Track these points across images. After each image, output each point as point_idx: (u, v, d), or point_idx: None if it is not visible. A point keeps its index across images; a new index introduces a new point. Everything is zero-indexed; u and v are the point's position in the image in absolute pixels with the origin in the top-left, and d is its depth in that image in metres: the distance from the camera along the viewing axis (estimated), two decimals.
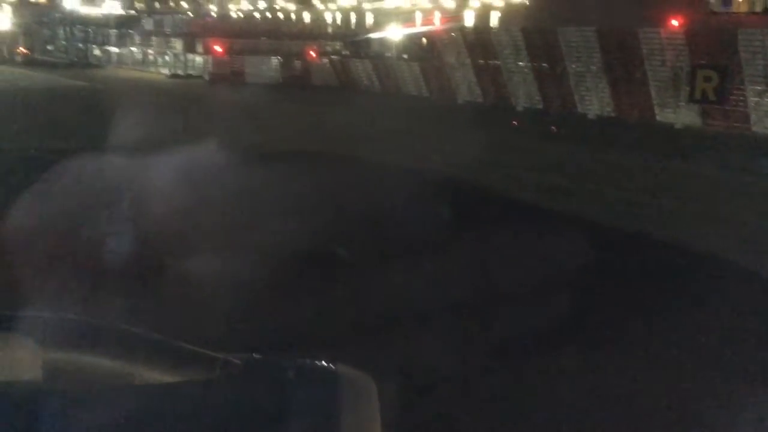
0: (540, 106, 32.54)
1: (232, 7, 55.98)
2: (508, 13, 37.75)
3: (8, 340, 1.53)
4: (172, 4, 59.58)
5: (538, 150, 20.25)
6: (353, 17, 50.41)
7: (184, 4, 58.68)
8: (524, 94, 33.16)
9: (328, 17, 53.81)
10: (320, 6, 53.55)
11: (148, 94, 35.46)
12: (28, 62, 56.16)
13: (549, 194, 13.96)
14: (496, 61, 34.24)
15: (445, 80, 37.60)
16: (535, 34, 31.64)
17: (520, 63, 33.13)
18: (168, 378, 1.54)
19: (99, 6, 73.23)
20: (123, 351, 1.59)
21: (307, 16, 53.79)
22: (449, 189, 13.80)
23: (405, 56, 46.12)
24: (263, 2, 57.00)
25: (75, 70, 49.46)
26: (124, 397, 1.44)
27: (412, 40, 45.71)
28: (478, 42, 35.06)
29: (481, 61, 35.10)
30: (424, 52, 44.18)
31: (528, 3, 36.46)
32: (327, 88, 43.55)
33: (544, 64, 31.80)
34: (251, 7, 56.36)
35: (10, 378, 1.44)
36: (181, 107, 29.42)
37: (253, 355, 1.70)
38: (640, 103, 28.43)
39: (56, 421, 1.31)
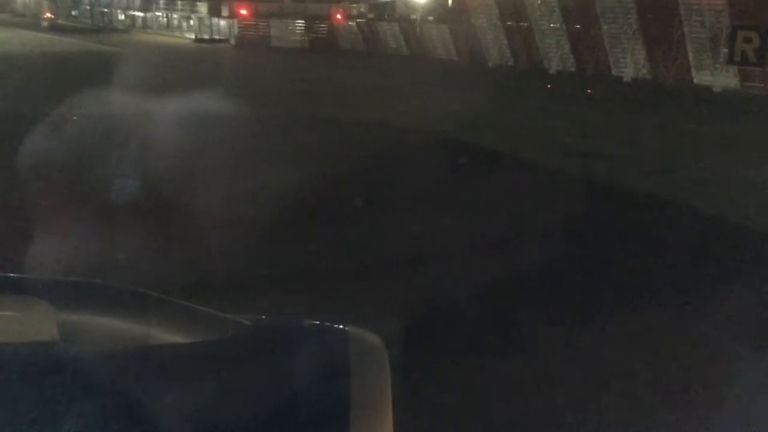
0: (573, 69, 31.96)
1: None
2: None
3: (24, 302, 1.55)
4: None
5: (575, 114, 19.92)
6: None
7: None
8: (557, 57, 32.57)
9: None
10: None
11: (177, 58, 35.43)
12: (54, 27, 56.13)
13: (590, 161, 13.54)
14: (528, 23, 33.60)
15: (475, 43, 37.01)
16: None
17: (553, 25, 32.49)
18: (180, 338, 1.54)
19: None
20: (136, 312, 1.60)
21: None
22: (489, 158, 13.56)
23: (430, 18, 45.57)
24: None
25: (101, 36, 49.40)
26: (138, 358, 1.46)
27: (440, 2, 45.05)
28: (510, 3, 34.36)
29: (513, 23, 34.48)
30: (454, 14, 43.58)
31: None
32: (353, 51, 43.16)
33: (578, 26, 31.16)
34: None
35: (25, 339, 1.45)
36: (217, 74, 29.41)
37: (263, 316, 1.70)
38: (677, 66, 27.79)
39: (71, 381, 1.32)
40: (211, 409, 1.33)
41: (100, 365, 1.37)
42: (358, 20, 45.43)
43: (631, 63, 29.33)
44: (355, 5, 50.24)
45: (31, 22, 62.77)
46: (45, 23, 57.26)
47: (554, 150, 14.52)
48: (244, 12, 45.60)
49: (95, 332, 1.52)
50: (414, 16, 44.86)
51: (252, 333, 1.59)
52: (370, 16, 47.38)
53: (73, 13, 67.50)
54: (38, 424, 1.23)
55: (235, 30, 45.85)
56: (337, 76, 29.08)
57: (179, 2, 53.05)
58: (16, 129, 13.23)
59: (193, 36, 50.97)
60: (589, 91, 25.12)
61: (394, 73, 30.99)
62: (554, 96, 24.51)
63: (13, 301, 1.55)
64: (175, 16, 54.09)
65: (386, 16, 47.28)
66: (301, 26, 46.17)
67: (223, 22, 48.98)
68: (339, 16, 45.81)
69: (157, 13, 55.60)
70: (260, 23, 46.03)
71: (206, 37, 48.22)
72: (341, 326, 1.63)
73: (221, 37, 48.39)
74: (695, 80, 26.97)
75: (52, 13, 60.89)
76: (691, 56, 27.06)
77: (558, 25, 32.14)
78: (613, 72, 30.01)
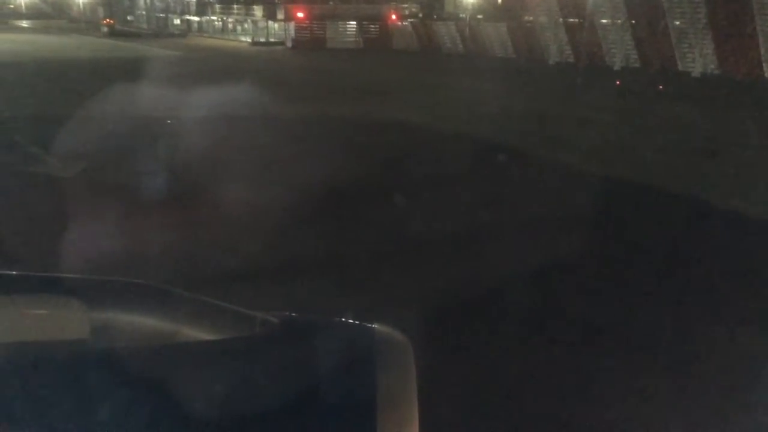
0: (637, 65, 31.77)
1: None
2: None
3: (56, 301, 1.58)
4: None
5: (652, 111, 19.83)
6: None
7: None
8: (621, 53, 32.39)
9: None
10: None
11: (241, 61, 36.12)
12: (112, 33, 57.26)
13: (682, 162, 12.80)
14: (590, 20, 33.45)
15: (534, 40, 37.00)
16: None
17: (617, 21, 32.33)
18: (208, 336, 1.57)
19: None
20: (166, 310, 1.64)
21: None
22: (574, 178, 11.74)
23: (480, 17, 45.67)
24: None
25: (160, 40, 50.54)
26: (167, 354, 1.49)
27: (491, 1, 45.08)
28: (572, 0, 34.28)
29: (574, 20, 34.37)
30: (510, 11, 43.58)
31: None
32: (408, 51, 43.41)
33: (643, 21, 30.94)
34: None
35: (58, 337, 1.49)
36: (287, 76, 29.87)
37: (292, 314, 1.72)
38: (747, 60, 27.45)
39: (103, 378, 1.35)
40: (239, 404, 1.36)
41: (131, 362, 1.40)
42: (412, 20, 45.70)
43: (699, 58, 29.02)
44: (406, 5, 50.61)
45: (88, 27, 64.11)
46: (105, 29, 58.63)
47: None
48: (300, 15, 46.24)
49: (126, 330, 1.56)
50: (464, 15, 45.09)
51: (279, 330, 1.60)
52: (423, 15, 47.67)
53: (129, 18, 69.05)
54: (72, 420, 1.26)
55: (292, 32, 46.49)
56: (400, 76, 29.30)
57: (235, 6, 53.93)
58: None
59: (248, 39, 51.78)
60: (660, 87, 24.95)
61: (457, 72, 31.04)
62: (627, 93, 24.39)
63: (46, 300, 1.59)
64: (230, 20, 55.04)
65: (440, 15, 47.53)
66: (355, 27, 46.61)
67: (276, 25, 49.72)
68: (393, 17, 46.13)
69: (213, 18, 56.60)
70: (316, 25, 46.62)
71: (262, 40, 49.01)
72: (367, 324, 1.66)
73: (276, 40, 49.10)
74: (767, 74, 26.61)
75: (111, 19, 62.34)
76: (762, 51, 26.69)
77: (622, 21, 31.96)
78: (680, 67, 29.74)
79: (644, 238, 8.37)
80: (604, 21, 32.78)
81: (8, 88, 22.48)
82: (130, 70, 26.56)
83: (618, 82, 27.06)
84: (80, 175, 10.50)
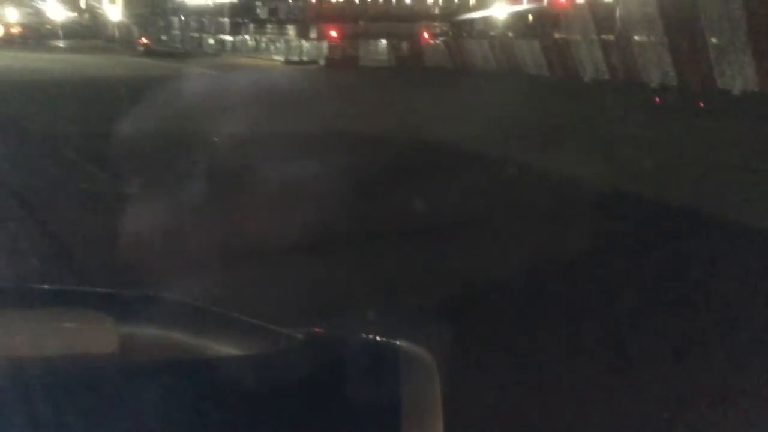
0: (675, 83, 31.55)
1: None
2: None
3: (84, 314, 1.59)
4: None
5: (695, 128, 19.67)
6: None
7: None
8: (658, 70, 32.20)
9: None
10: None
11: (278, 79, 36.62)
12: (147, 52, 58.27)
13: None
14: (626, 36, 33.38)
15: (568, 58, 36.96)
16: (671, 7, 30.61)
17: (653, 38, 32.18)
18: (234, 351, 1.58)
19: None
20: (193, 325, 1.65)
21: None
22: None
23: (510, 34, 45.79)
24: None
25: (196, 59, 51.30)
26: (194, 370, 1.50)
27: (520, 17, 45.12)
28: (607, 16, 34.23)
29: (609, 37, 34.29)
30: (543, 28, 43.62)
31: None
32: (441, 69, 43.56)
33: (681, 39, 30.76)
34: None
35: (86, 351, 1.50)
36: (325, 94, 30.07)
37: (316, 329, 1.74)
38: None
39: (129, 392, 1.35)
40: (264, 420, 1.38)
41: (159, 377, 1.42)
42: (444, 37, 45.97)
43: (739, 75, 28.74)
44: (436, 23, 50.97)
45: (123, 47, 65.27)
46: (141, 48, 59.78)
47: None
48: (333, 34, 46.80)
49: (153, 344, 1.58)
50: (494, 32, 45.22)
51: (304, 346, 1.61)
52: (454, 33, 47.90)
53: (163, 37, 70.31)
54: None
55: (325, 51, 47.05)
56: (438, 96, 29.41)
57: (268, 26, 54.73)
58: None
59: (280, 58, 52.45)
60: (701, 104, 24.75)
61: (492, 90, 30.90)
62: (668, 110, 24.24)
63: (75, 313, 1.60)
64: (263, 39, 55.85)
65: (470, 33, 47.71)
66: (387, 46, 47.01)
67: (308, 44, 50.37)
68: (426, 35, 46.46)
69: (246, 37, 57.46)
70: (348, 44, 47.14)
71: (296, 58, 49.61)
72: (392, 340, 1.66)
73: (309, 59, 49.67)
74: None
75: (147, 39, 63.55)
76: None
77: (659, 38, 31.81)
78: (719, 84, 29.47)
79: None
80: (640, 38, 32.65)
81: (56, 105, 23.01)
82: (174, 89, 27.03)
83: (657, 99, 26.92)
84: (142, 192, 10.67)
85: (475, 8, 48.19)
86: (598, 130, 18.95)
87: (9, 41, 71.41)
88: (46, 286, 1.84)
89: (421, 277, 7.44)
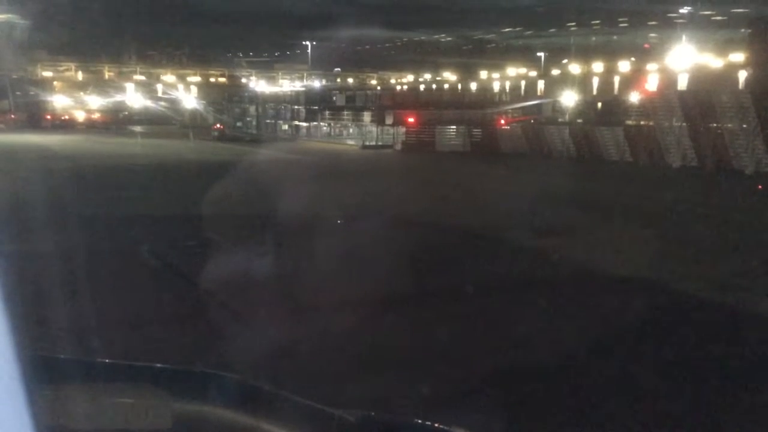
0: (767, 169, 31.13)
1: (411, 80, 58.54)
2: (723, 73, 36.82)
3: (140, 390, 1.62)
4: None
5: None
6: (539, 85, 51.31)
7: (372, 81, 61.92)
8: (750, 156, 31.87)
9: (506, 86, 54.97)
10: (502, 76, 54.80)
11: (362, 164, 37.40)
12: (222, 138, 59.82)
13: None
14: (715, 124, 33.31)
15: (653, 144, 36.88)
16: (766, 95, 30.58)
17: (745, 125, 32.03)
18: (286, 431, 1.58)
19: (281, 85, 78.84)
20: (246, 404, 1.66)
21: (493, 86, 55.19)
22: None
23: (579, 120, 46.34)
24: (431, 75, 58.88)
25: (274, 144, 52.94)
26: None
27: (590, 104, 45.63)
28: (696, 104, 34.29)
29: (699, 125, 34.23)
30: (614, 115, 44.08)
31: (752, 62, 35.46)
32: (516, 154, 43.88)
33: None
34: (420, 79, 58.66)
35: (141, 427, 1.51)
36: (420, 181, 30.48)
37: (369, 413, 1.71)
38: None
39: None
40: None
41: None
42: (523, 123, 46.58)
43: None
44: (508, 109, 51.92)
45: (197, 133, 67.20)
46: (215, 133, 61.98)
47: None
48: (411, 120, 47.98)
49: (207, 422, 1.61)
50: (562, 119, 45.69)
51: (355, 428, 1.63)
52: (527, 118, 48.66)
53: (238, 123, 73.08)
54: None
55: (402, 136, 48.11)
56: (526, 181, 29.53)
57: (345, 113, 56.50)
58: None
59: (353, 142, 53.77)
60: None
61: (575, 176, 30.16)
62: None
63: (131, 388, 1.65)
64: (337, 125, 57.62)
65: (538, 120, 48.47)
66: (462, 131, 47.77)
67: (381, 129, 51.67)
68: (502, 121, 47.19)
69: (321, 123, 59.36)
70: (424, 129, 48.13)
71: (373, 143, 50.79)
72: (443, 426, 1.66)
73: (384, 143, 50.77)
74: None
75: (221, 125, 65.99)
76: None
77: (751, 125, 31.62)
78: None
79: None
80: (731, 125, 32.56)
81: (155, 188, 23.79)
82: (266, 172, 27.82)
83: (760, 186, 26.49)
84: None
85: (551, 96, 49.02)
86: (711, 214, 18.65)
87: (90, 126, 75.22)
88: (107, 360, 1.87)
89: None
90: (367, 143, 51.25)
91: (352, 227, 15.51)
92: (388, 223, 15.70)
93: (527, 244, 14.31)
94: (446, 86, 64.27)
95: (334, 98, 59.32)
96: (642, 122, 39.11)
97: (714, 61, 49.34)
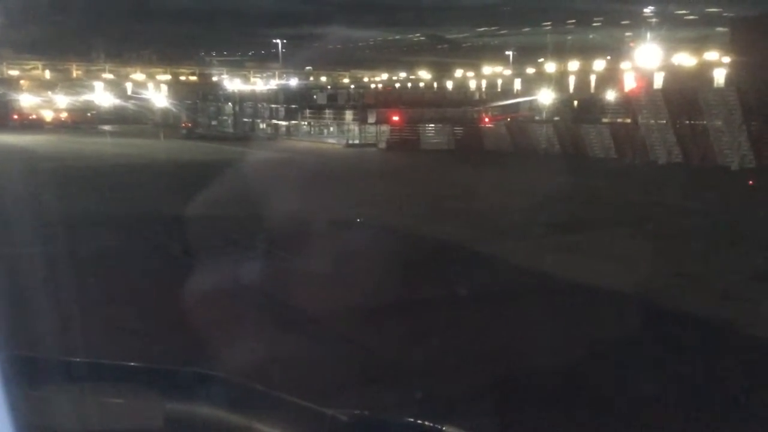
0: (752, 165, 31.89)
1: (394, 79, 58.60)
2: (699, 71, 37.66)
3: (132, 390, 1.64)
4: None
5: None
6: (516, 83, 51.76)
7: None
8: (736, 153, 32.66)
9: (491, 84, 55.36)
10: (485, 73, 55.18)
11: (353, 163, 37.29)
12: (192, 136, 58.84)
13: None
14: (701, 121, 34.06)
15: (638, 141, 37.52)
16: (750, 93, 31.36)
17: (729, 122, 32.81)
18: (278, 431, 1.61)
19: (254, 84, 78.02)
20: (239, 403, 1.68)
21: (472, 84, 55.52)
22: None
23: (556, 118, 47.01)
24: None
25: (255, 143, 52.38)
26: None
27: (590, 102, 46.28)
28: (681, 102, 35.03)
29: (684, 122, 34.97)
30: (591, 113, 44.80)
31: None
32: (500, 151, 44.14)
33: (762, 122, 31.36)
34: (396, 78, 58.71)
35: (133, 427, 1.54)
36: (416, 182, 30.46)
37: (362, 412, 1.74)
38: None
39: None
40: None
41: None
42: (507, 121, 46.97)
43: None
44: (492, 107, 52.41)
45: (168, 131, 65.98)
46: (183, 131, 61.30)
47: None
48: (396, 118, 48.00)
49: (199, 422, 1.62)
50: (539, 117, 46.26)
51: (348, 428, 1.63)
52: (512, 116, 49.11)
53: (213, 122, 72.16)
54: None
55: (386, 134, 48.10)
56: (519, 181, 29.77)
57: (326, 111, 56.21)
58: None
59: (334, 141, 53.52)
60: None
61: (569, 173, 30.40)
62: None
63: (123, 389, 1.66)
64: (318, 123, 57.34)
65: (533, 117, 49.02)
66: (447, 129, 47.95)
67: (362, 128, 51.54)
68: (486, 119, 47.54)
69: (302, 122, 58.95)
70: (408, 128, 48.21)
71: (356, 142, 50.65)
72: (437, 425, 1.67)
73: (367, 142, 50.67)
74: None
75: (190, 123, 65.23)
76: None
77: (737, 123, 32.40)
78: None
79: None
80: (717, 122, 33.34)
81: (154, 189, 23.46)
82: (262, 174, 27.53)
83: (751, 182, 27.15)
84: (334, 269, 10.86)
85: (538, 92, 49.54)
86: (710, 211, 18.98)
87: (58, 126, 73.51)
88: (99, 360, 1.87)
89: None
90: (351, 142, 51.12)
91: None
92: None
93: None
94: (425, 85, 64.50)
95: (315, 97, 58.99)
96: (619, 119, 39.79)
97: (689, 60, 50.35)
